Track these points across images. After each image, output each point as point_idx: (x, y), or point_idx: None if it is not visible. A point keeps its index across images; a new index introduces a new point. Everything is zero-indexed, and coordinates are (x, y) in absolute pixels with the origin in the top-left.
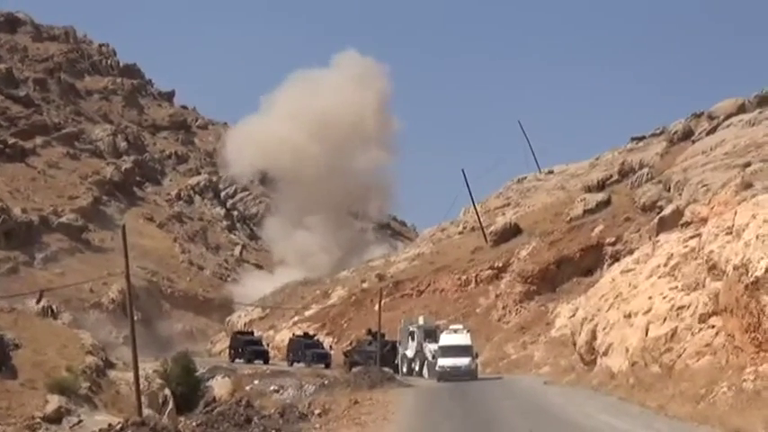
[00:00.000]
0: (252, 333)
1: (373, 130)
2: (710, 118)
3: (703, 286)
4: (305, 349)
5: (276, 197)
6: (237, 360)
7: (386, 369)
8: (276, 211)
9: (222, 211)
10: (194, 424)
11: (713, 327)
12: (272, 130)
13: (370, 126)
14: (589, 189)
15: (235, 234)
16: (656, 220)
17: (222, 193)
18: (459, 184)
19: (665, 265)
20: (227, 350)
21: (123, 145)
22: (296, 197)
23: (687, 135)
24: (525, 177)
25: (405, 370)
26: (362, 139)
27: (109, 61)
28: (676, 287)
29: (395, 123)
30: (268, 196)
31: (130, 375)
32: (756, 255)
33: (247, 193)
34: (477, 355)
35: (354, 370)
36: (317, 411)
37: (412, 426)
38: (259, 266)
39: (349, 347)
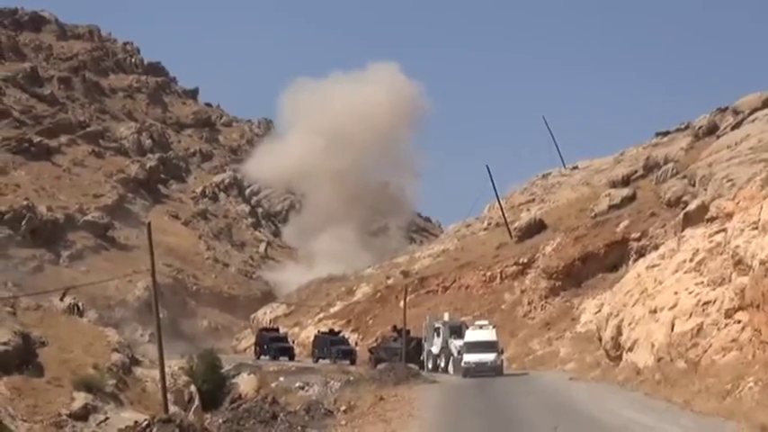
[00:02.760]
0: (277, 330)
1: (403, 151)
2: (735, 112)
3: (729, 281)
4: (330, 346)
5: (300, 200)
6: (263, 357)
7: (411, 365)
8: (299, 217)
9: (247, 208)
10: (220, 421)
11: (739, 322)
12: (297, 142)
13: (400, 147)
14: (614, 184)
15: (260, 231)
16: (681, 216)
17: (247, 191)
18: (483, 179)
19: (691, 260)
20: (253, 347)
21: (148, 143)
22: (320, 206)
23: (712, 130)
24: (550, 173)
25: (430, 366)
26: (392, 159)
27: (133, 59)
28: (702, 282)
29: (425, 155)
30: (293, 193)
31: (156, 373)
32: None
33: (272, 190)
34: (502, 351)
35: (380, 366)
36: (342, 408)
37: (437, 422)
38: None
39: (374, 344)
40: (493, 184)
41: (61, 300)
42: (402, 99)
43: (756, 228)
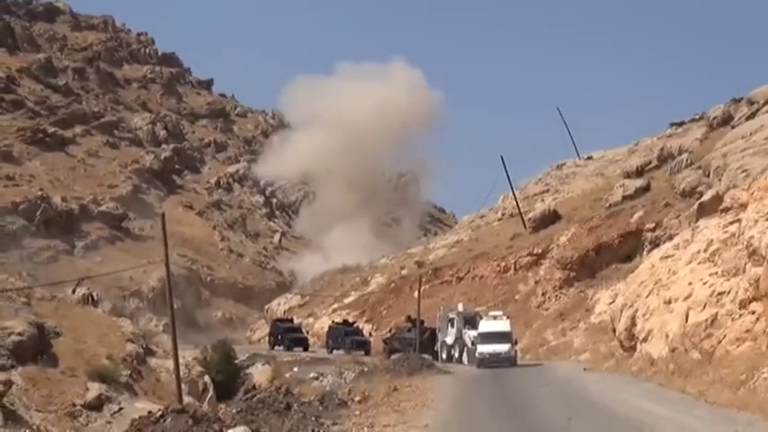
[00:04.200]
0: (291, 320)
1: (419, 150)
2: (750, 103)
3: (743, 272)
4: (344, 336)
5: (314, 192)
6: (277, 347)
7: (425, 356)
8: (313, 207)
9: (261, 199)
10: (234, 411)
11: (753, 312)
12: (311, 136)
13: (416, 147)
14: (628, 175)
15: (274, 221)
16: (695, 206)
17: (261, 181)
18: (498, 170)
19: (705, 250)
20: (267, 337)
21: (162, 133)
22: (334, 198)
23: (726, 120)
24: (564, 163)
25: (444, 357)
26: (407, 156)
27: (147, 50)
28: (716, 273)
29: (440, 151)
30: (307, 184)
31: (170, 363)
32: None
33: (286, 181)
34: (516, 342)
35: (394, 357)
36: (356, 398)
37: (451, 412)
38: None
39: (388, 334)
40: (507, 175)
41: (73, 292)
42: (422, 106)
43: None
